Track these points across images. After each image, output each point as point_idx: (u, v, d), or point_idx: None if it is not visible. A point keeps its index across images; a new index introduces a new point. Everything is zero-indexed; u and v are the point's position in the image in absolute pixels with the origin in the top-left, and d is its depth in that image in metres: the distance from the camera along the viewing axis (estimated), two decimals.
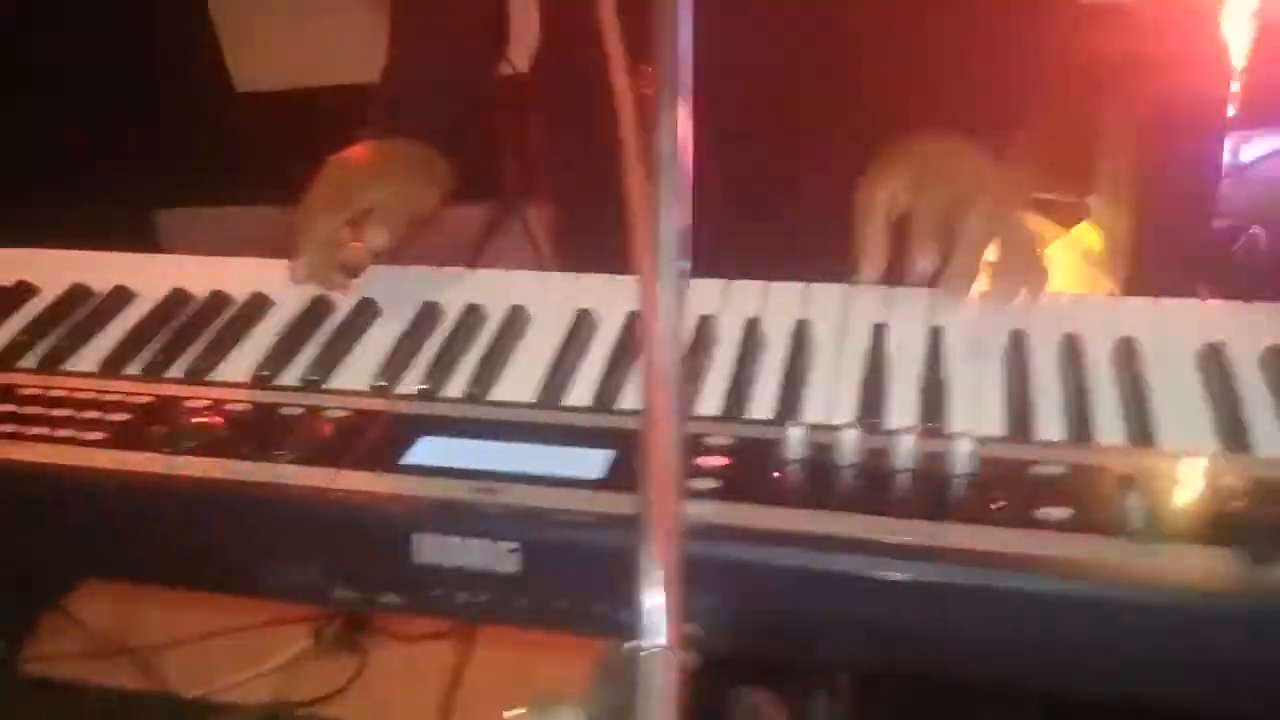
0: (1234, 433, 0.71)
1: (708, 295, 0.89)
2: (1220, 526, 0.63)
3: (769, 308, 0.87)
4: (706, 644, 0.68)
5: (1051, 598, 0.62)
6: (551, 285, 0.94)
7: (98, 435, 0.78)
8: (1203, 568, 0.62)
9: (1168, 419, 0.73)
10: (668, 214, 0.56)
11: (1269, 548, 0.61)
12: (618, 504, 0.69)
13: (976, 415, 0.75)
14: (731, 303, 0.88)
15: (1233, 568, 0.61)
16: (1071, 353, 0.79)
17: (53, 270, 0.99)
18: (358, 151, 0.99)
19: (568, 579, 0.69)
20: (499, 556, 0.69)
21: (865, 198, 0.86)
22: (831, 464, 0.71)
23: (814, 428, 0.73)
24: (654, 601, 0.52)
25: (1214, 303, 0.83)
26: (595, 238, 1.13)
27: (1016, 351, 0.80)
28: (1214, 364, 0.77)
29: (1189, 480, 0.67)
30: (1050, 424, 0.74)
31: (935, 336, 0.82)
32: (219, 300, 0.93)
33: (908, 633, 0.66)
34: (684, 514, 0.68)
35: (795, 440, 0.72)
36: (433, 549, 0.70)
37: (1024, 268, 0.83)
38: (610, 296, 0.90)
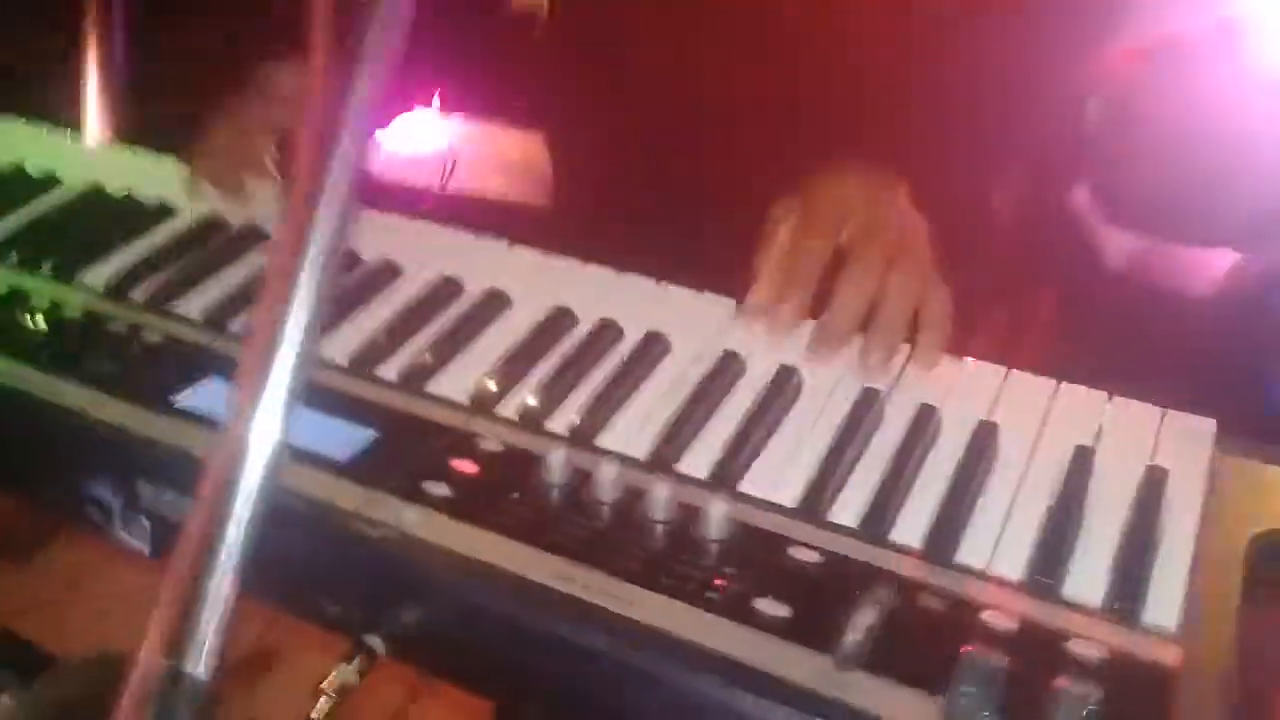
0: (1047, 568, 0.60)
1: (581, 283, 0.82)
2: (937, 671, 0.53)
3: (633, 310, 0.79)
4: (386, 656, 0.64)
5: (715, 702, 0.54)
6: (455, 245, 0.88)
7: None
8: (898, 713, 0.52)
9: (982, 533, 0.62)
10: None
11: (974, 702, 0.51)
12: (343, 494, 0.64)
13: (777, 479, 0.66)
14: (605, 296, 0.80)
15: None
16: (919, 428, 0.69)
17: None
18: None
19: (277, 570, 0.64)
20: None
21: (769, 229, 0.78)
22: (581, 500, 0.64)
23: (580, 452, 0.66)
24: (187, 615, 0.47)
25: (1122, 400, 0.70)
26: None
27: (856, 413, 0.70)
28: (1075, 475, 0.65)
29: (928, 607, 0.57)
30: (850, 507, 0.64)
31: (784, 376, 0.73)
32: (126, 202, 0.93)
33: (590, 700, 0.59)
34: (402, 518, 0.64)
35: (554, 464, 0.66)
36: (158, 499, 0.67)
37: (897, 333, 0.72)
38: (500, 266, 0.84)
